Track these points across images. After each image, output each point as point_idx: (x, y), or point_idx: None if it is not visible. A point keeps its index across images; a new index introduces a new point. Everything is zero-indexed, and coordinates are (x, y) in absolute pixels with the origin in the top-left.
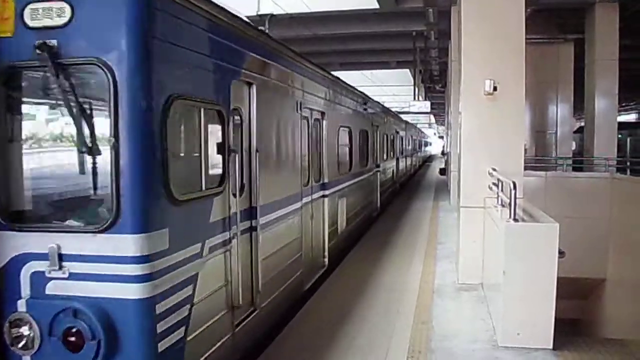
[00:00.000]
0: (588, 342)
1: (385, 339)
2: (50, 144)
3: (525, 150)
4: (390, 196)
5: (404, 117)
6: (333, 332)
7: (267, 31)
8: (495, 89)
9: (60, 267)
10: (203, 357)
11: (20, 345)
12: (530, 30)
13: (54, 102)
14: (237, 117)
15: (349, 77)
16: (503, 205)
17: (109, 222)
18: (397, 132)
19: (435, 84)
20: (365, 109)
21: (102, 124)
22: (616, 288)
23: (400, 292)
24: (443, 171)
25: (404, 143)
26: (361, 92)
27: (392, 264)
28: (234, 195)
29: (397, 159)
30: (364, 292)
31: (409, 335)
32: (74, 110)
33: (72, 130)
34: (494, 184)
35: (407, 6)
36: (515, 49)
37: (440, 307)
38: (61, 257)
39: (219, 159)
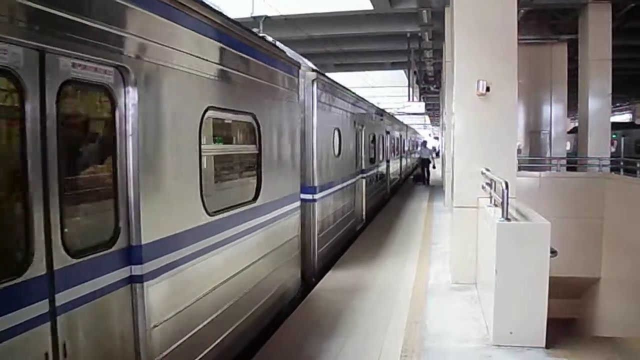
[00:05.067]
0: (581, 340)
1: (379, 339)
2: None
3: (520, 150)
4: (380, 204)
5: (399, 118)
6: (326, 333)
7: (261, 33)
8: (488, 89)
9: None
10: None
11: None
12: (523, 31)
13: None
14: None
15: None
16: (496, 205)
17: None
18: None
19: (429, 84)
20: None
21: None
22: (610, 287)
23: (393, 292)
24: (417, 178)
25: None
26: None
27: (386, 265)
28: None
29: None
30: (357, 293)
31: (403, 334)
32: None
33: None
34: (487, 183)
35: (401, 7)
36: (508, 49)
37: (433, 306)
38: None
39: None
